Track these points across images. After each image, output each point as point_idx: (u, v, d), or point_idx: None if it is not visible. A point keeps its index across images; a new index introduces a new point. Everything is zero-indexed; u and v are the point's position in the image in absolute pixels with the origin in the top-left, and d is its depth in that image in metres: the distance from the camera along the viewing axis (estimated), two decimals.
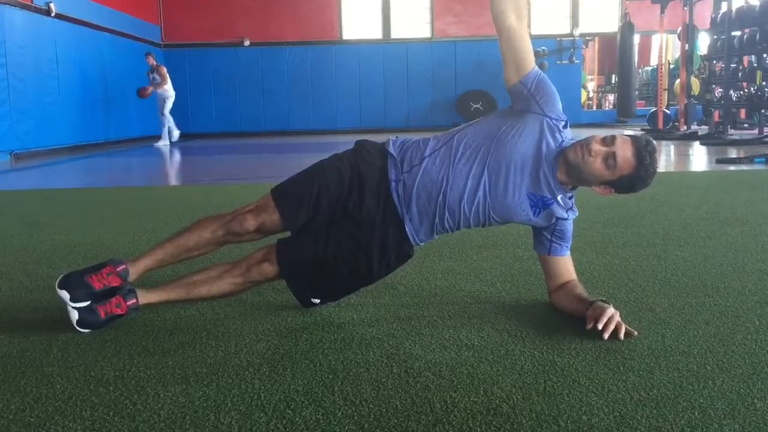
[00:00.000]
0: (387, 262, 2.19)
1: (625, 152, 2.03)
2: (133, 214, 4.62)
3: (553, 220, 2.16)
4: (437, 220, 2.15)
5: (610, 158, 2.03)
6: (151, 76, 13.10)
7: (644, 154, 2.03)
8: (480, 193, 2.12)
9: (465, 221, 2.18)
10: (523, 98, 2.16)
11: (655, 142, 2.09)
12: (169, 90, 13.13)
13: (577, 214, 2.22)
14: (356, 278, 2.21)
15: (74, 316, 2.04)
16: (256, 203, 2.22)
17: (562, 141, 2.12)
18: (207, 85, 16.63)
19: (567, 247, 2.23)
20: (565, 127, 2.16)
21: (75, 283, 2.07)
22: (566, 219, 2.18)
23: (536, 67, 2.18)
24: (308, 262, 2.16)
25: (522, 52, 2.15)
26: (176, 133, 13.53)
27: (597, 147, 2.04)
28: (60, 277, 2.09)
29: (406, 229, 2.16)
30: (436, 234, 2.22)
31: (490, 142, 2.12)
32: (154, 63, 13.05)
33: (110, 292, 2.10)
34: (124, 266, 2.14)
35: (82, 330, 2.04)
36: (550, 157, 2.10)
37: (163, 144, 12.99)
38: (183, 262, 2.32)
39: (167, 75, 13.12)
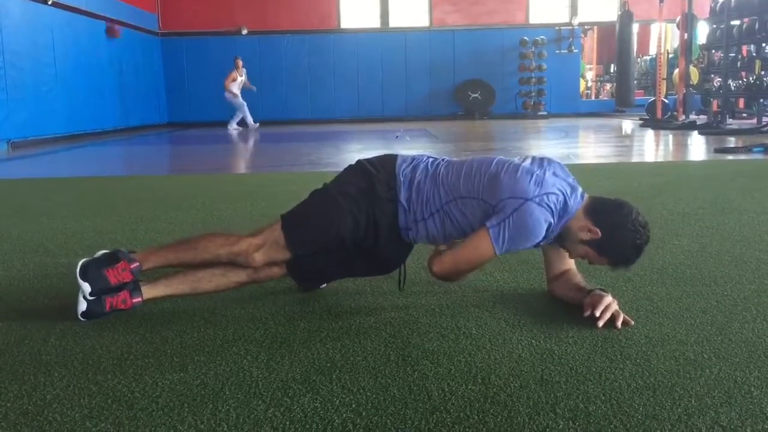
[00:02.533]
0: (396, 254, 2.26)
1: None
2: (130, 202, 4.61)
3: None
4: (439, 235, 2.18)
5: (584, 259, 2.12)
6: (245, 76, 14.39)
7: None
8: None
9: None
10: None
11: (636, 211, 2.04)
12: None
13: None
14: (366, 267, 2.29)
15: (83, 307, 2.05)
16: (264, 235, 2.15)
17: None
18: (204, 74, 16.55)
19: None
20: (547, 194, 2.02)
21: (94, 276, 2.06)
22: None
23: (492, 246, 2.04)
24: (318, 269, 2.24)
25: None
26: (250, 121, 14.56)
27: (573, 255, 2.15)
28: (80, 266, 2.07)
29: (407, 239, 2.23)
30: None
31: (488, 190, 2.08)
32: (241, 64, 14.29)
33: (118, 286, 2.11)
34: (137, 264, 2.12)
35: (83, 319, 2.04)
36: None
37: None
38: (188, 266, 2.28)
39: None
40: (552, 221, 1.99)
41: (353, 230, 2.12)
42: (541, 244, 2.07)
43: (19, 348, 1.87)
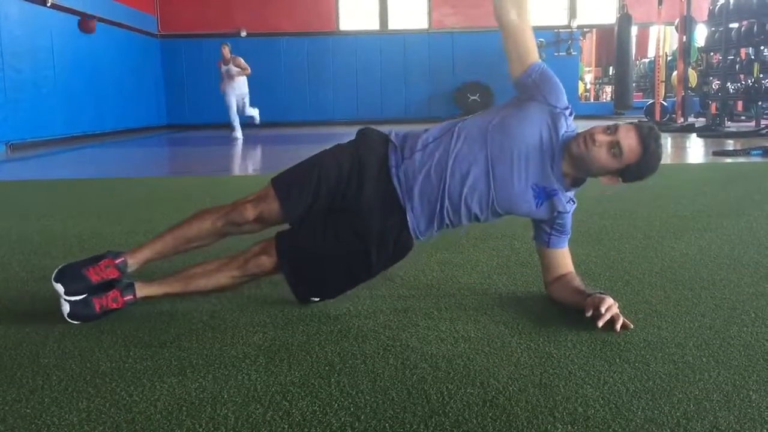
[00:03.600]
0: (385, 254, 2.14)
1: (629, 140, 2.01)
2: (129, 204, 4.61)
3: (555, 213, 2.16)
4: (438, 208, 2.11)
5: (615, 147, 2.01)
6: (225, 68, 11.74)
7: (649, 141, 2.01)
8: (483, 182, 2.09)
9: (466, 212, 2.13)
10: (527, 90, 2.16)
11: (657, 129, 2.09)
12: (246, 85, 11.98)
13: (576, 204, 2.21)
14: (354, 271, 2.18)
15: (66, 309, 2.04)
16: (256, 194, 2.21)
17: (567, 131, 2.10)
18: (203, 76, 16.53)
19: (566, 239, 2.22)
20: (570, 114, 2.15)
21: (71, 276, 2.06)
22: (567, 212, 2.17)
23: (539, 59, 2.18)
24: (307, 254, 2.13)
25: (524, 45, 2.16)
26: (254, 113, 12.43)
27: (601, 137, 2.02)
28: (56, 270, 2.08)
29: (408, 218, 2.12)
30: (437, 228, 2.17)
31: (494, 131, 2.10)
32: (228, 52, 11.77)
33: (108, 285, 2.09)
34: (122, 258, 2.13)
35: (73, 322, 2.04)
36: (556, 148, 2.09)
37: (240, 136, 11.88)
38: (183, 253, 2.29)
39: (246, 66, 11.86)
40: (570, 108, 2.15)
41: (337, 172, 2.13)
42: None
43: (17, 351, 1.86)
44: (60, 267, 2.09)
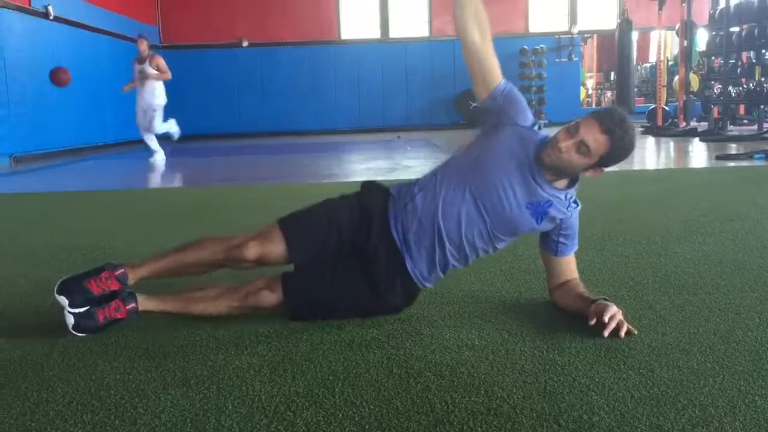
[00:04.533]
0: (393, 298, 2.16)
1: (592, 135, 1.99)
2: (132, 216, 4.62)
3: (557, 221, 2.16)
4: (438, 252, 2.13)
5: (581, 147, 2.01)
6: (139, 67, 9.60)
7: (613, 127, 1.98)
8: (477, 218, 2.10)
9: (471, 248, 2.15)
10: (494, 114, 2.20)
11: (620, 109, 2.07)
12: (162, 94, 9.79)
13: (579, 206, 2.21)
14: (363, 312, 2.18)
15: (70, 321, 2.04)
16: (259, 231, 2.17)
17: (536, 142, 2.12)
18: (205, 87, 16.60)
19: (573, 245, 2.23)
20: (538, 129, 2.18)
21: (73, 288, 2.07)
22: (569, 217, 2.17)
23: (504, 79, 2.21)
24: (315, 296, 2.14)
25: (488, 66, 2.19)
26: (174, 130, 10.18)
27: (564, 143, 2.02)
28: (59, 282, 2.09)
29: (407, 266, 2.14)
30: (441, 270, 2.19)
31: (472, 169, 2.13)
32: (148, 51, 9.74)
33: (110, 296, 2.10)
34: (122, 270, 2.13)
35: (78, 334, 2.05)
36: (533, 163, 2.10)
37: (160, 158, 9.69)
38: (179, 277, 2.27)
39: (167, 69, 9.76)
40: (535, 122, 2.19)
41: (348, 220, 2.15)
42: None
43: (22, 364, 1.87)
44: (62, 279, 2.10)
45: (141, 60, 9.60)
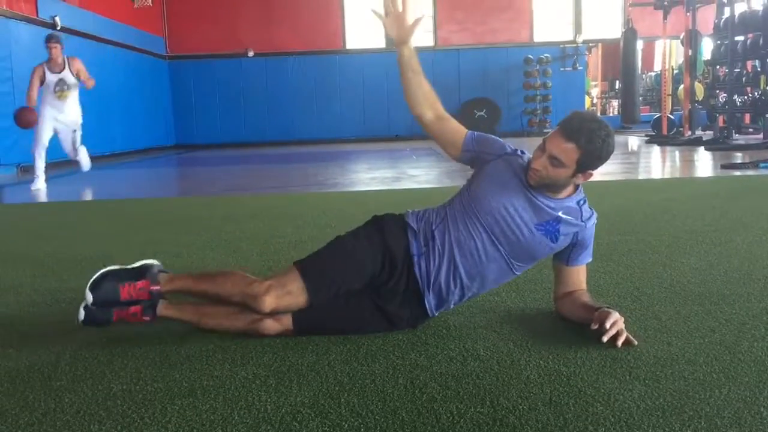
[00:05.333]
0: (401, 327, 2.16)
1: (558, 146, 2.00)
2: (140, 225, 4.64)
3: (573, 234, 2.16)
4: (454, 288, 2.14)
5: (553, 160, 2.02)
6: (56, 77, 7.57)
7: (578, 135, 1.98)
8: (494, 250, 2.11)
9: (492, 280, 2.18)
10: (475, 161, 2.24)
11: (588, 110, 2.07)
12: (77, 111, 7.81)
13: (595, 216, 2.22)
14: (368, 332, 2.16)
15: (81, 316, 2.11)
16: (278, 280, 2.10)
17: (525, 166, 2.13)
18: (212, 96, 16.71)
19: (586, 256, 2.23)
20: (522, 153, 2.19)
21: (107, 288, 2.11)
22: (584, 227, 2.17)
23: (467, 131, 2.26)
24: (326, 327, 2.13)
25: (450, 131, 2.29)
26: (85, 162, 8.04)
27: (537, 163, 2.05)
28: (98, 274, 2.13)
29: (425, 302, 2.15)
30: (453, 304, 2.21)
31: (476, 204, 2.14)
32: (60, 54, 7.68)
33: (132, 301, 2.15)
34: (158, 288, 2.15)
35: (83, 324, 2.12)
36: (528, 185, 2.11)
37: (40, 185, 7.60)
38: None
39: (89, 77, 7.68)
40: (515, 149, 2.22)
41: (372, 259, 2.13)
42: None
43: (30, 374, 1.88)
44: (102, 273, 2.13)
45: (56, 68, 7.57)
